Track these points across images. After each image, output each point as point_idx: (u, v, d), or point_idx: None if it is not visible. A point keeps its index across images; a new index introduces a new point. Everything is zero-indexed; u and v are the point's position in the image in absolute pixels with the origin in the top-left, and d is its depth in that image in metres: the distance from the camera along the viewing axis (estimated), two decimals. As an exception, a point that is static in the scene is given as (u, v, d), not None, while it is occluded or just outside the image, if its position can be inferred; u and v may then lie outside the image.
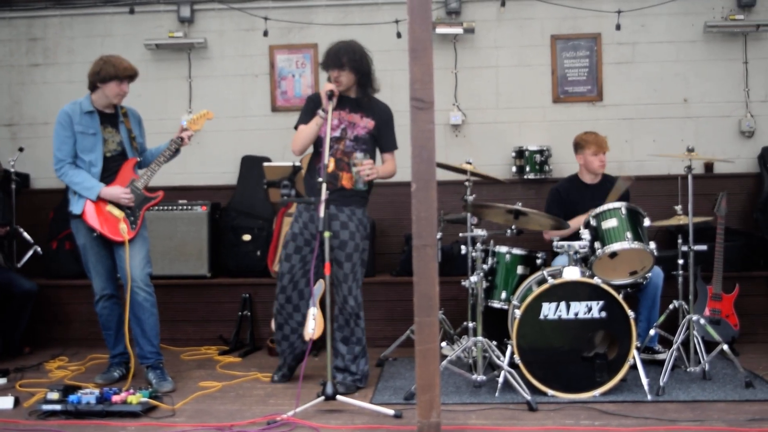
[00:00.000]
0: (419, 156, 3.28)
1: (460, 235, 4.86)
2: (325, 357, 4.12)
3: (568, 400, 4.24)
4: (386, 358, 5.31)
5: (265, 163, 5.67)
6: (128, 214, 4.68)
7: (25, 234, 5.99)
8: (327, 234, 4.03)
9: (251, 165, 6.48)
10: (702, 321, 4.77)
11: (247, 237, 6.19)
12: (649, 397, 4.19)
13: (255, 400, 4.42)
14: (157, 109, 6.45)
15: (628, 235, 4.52)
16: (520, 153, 6.34)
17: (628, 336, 4.29)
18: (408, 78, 3.30)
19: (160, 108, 6.56)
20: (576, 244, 4.52)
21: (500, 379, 4.35)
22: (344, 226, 4.46)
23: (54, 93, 6.66)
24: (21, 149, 6.36)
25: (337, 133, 4.47)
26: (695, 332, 4.65)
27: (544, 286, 4.37)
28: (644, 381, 4.24)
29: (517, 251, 5.03)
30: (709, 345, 4.75)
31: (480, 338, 4.49)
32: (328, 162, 4.24)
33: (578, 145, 5.40)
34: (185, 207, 6.15)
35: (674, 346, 4.53)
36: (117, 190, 4.65)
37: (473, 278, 4.65)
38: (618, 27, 6.35)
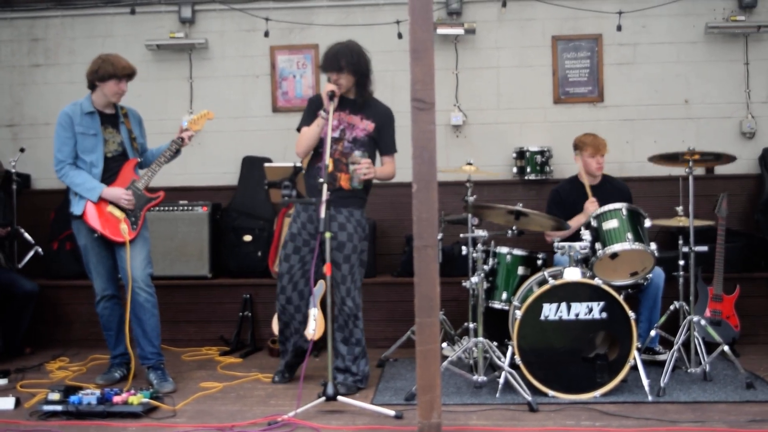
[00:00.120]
0: (420, 157, 3.28)
1: (461, 235, 4.87)
2: (326, 357, 4.12)
3: (569, 400, 4.24)
4: (387, 358, 5.31)
5: (266, 164, 5.68)
6: (129, 215, 4.68)
7: (26, 234, 5.99)
8: (328, 235, 4.02)
9: (252, 165, 6.49)
10: (703, 322, 4.77)
11: (248, 237, 6.20)
12: (649, 398, 4.19)
13: (256, 401, 4.42)
14: (157, 110, 6.46)
15: (629, 236, 4.52)
16: (521, 154, 6.34)
17: (628, 337, 4.29)
18: (409, 79, 3.30)
19: (161, 108, 6.56)
20: (577, 244, 4.52)
21: (501, 380, 4.35)
22: (342, 228, 4.46)
23: (55, 93, 6.67)
24: (22, 150, 6.37)
25: (336, 134, 4.47)
26: (696, 333, 4.65)
27: (545, 287, 4.37)
28: (645, 382, 4.24)
29: (517, 252, 5.03)
30: (710, 346, 4.75)
31: (481, 339, 4.49)
32: (328, 163, 4.23)
33: (577, 147, 5.42)
34: (186, 207, 6.15)
35: (675, 347, 4.52)
36: (118, 192, 4.66)
37: (474, 279, 4.65)
38: (619, 28, 6.35)
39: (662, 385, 4.30)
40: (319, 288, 5.20)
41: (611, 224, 4.58)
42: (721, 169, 6.21)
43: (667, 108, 6.44)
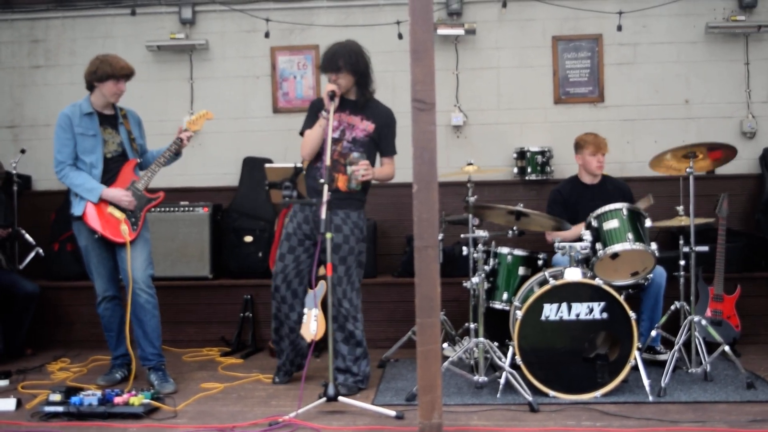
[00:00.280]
0: (420, 157, 3.28)
1: (462, 236, 4.87)
2: (327, 358, 4.12)
3: (570, 401, 4.24)
4: (388, 359, 5.31)
5: (267, 165, 5.68)
6: (129, 216, 4.68)
7: (27, 236, 5.99)
8: (328, 235, 4.02)
9: (253, 166, 6.49)
10: (703, 322, 4.77)
11: (248, 238, 6.20)
12: (650, 398, 4.19)
13: (257, 402, 4.42)
14: (158, 111, 6.46)
15: (630, 236, 4.52)
16: (521, 154, 6.34)
17: (629, 337, 4.29)
18: (409, 79, 3.30)
19: (162, 109, 6.57)
20: (577, 245, 4.52)
21: (502, 380, 4.35)
22: (338, 230, 4.44)
23: (55, 95, 6.67)
24: (23, 151, 6.37)
25: (335, 135, 4.46)
26: (696, 333, 4.65)
27: (546, 287, 4.37)
28: (645, 382, 4.24)
29: (518, 252, 5.03)
30: (711, 346, 4.75)
31: (481, 339, 4.49)
32: (328, 163, 4.23)
33: (578, 145, 5.43)
34: (187, 208, 6.15)
35: (676, 347, 4.52)
36: (118, 192, 4.66)
37: (475, 279, 4.65)
38: (619, 28, 6.35)
39: (663, 385, 4.30)
40: (320, 288, 5.20)
41: (612, 224, 4.58)
42: (721, 169, 6.17)
43: (667, 108, 6.44)
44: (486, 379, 4.46)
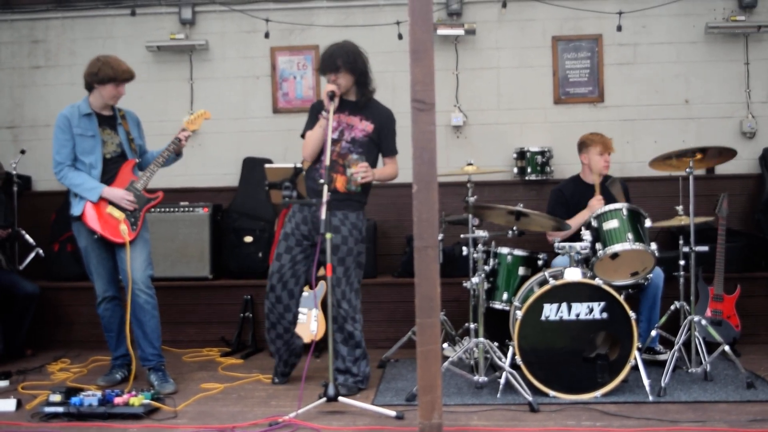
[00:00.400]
0: (420, 157, 3.28)
1: (462, 236, 4.86)
2: (326, 358, 4.12)
3: (570, 401, 4.24)
4: (388, 359, 5.31)
5: (267, 165, 5.68)
6: (128, 216, 4.68)
7: (27, 236, 5.99)
8: (329, 235, 4.02)
9: (253, 166, 6.49)
10: (703, 322, 4.77)
11: (248, 238, 6.20)
12: (650, 398, 4.19)
13: (257, 402, 4.42)
14: (158, 111, 6.46)
15: (630, 236, 4.52)
16: (521, 154, 6.34)
17: (629, 337, 4.29)
18: (409, 79, 3.30)
19: (162, 110, 6.56)
20: (577, 245, 4.52)
21: (502, 381, 4.35)
22: (336, 230, 4.43)
23: (55, 95, 6.68)
24: (23, 151, 6.38)
25: (335, 136, 4.46)
26: (696, 333, 4.65)
27: (546, 287, 4.37)
28: (645, 382, 4.24)
29: (518, 252, 5.04)
30: (711, 346, 4.76)
31: (481, 339, 4.49)
32: (328, 164, 4.23)
33: (583, 144, 5.39)
34: (187, 209, 6.15)
35: (675, 347, 4.52)
36: (119, 192, 4.66)
37: (475, 279, 4.65)
38: (619, 28, 6.35)
39: (663, 385, 4.30)
40: (320, 289, 5.20)
41: (612, 224, 4.58)
42: (721, 169, 6.21)
43: (667, 108, 6.44)
44: (486, 379, 4.46)
